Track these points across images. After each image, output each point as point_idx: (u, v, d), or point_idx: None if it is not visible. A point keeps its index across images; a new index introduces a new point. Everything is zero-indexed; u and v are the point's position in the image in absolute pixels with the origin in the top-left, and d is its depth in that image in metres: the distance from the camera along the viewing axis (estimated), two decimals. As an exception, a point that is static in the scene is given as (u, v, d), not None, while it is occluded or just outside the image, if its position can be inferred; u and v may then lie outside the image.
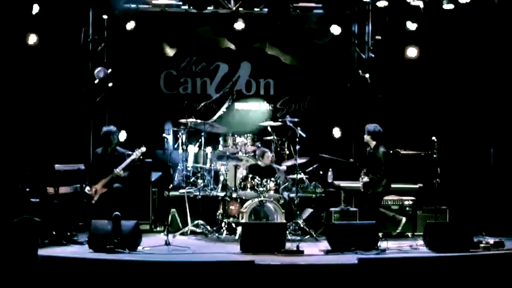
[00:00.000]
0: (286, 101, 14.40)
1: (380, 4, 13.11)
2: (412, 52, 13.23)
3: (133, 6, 13.38)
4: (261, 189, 11.63)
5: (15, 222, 8.92)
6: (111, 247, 9.74)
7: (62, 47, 13.12)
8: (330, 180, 12.58)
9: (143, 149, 11.61)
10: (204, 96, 14.07)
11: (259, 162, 12.23)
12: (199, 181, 12.40)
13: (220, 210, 11.96)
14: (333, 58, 14.19)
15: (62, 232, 10.74)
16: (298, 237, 11.36)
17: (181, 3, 13.60)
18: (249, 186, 11.75)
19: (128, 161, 11.47)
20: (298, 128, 12.14)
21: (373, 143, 11.52)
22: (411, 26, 13.00)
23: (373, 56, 13.86)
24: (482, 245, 10.42)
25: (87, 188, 11.33)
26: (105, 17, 13.16)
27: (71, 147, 12.94)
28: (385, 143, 12.03)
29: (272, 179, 11.81)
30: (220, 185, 12.38)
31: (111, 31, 13.59)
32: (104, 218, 10.24)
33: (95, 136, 13.37)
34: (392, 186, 12.30)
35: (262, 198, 11.50)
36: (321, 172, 11.60)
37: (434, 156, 11.19)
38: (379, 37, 13.78)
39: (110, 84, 13.12)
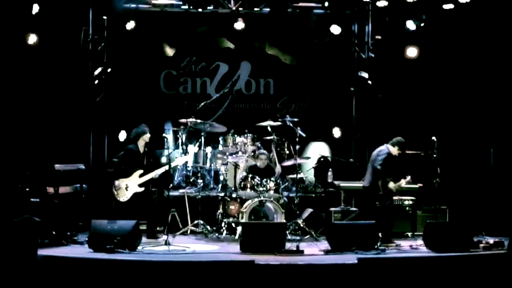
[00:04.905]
0: (286, 101, 14.41)
1: (380, 4, 13.13)
2: (412, 52, 13.24)
3: (133, 6, 13.40)
4: (261, 189, 11.63)
5: (15, 222, 8.92)
6: (111, 247, 9.73)
7: (62, 47, 13.12)
8: (330, 180, 12.58)
9: (189, 157, 11.81)
10: (204, 96, 14.07)
11: (256, 163, 12.23)
12: (199, 181, 12.40)
13: (220, 210, 11.96)
14: (333, 58, 14.19)
15: (62, 232, 10.73)
16: (298, 237, 11.36)
17: (181, 3, 13.61)
18: (249, 186, 11.75)
19: (172, 165, 11.52)
20: (298, 128, 12.14)
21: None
22: (411, 26, 13.01)
23: (373, 56, 13.87)
24: (482, 245, 10.41)
25: (117, 182, 11.14)
26: (105, 17, 13.18)
27: (71, 147, 12.94)
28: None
29: (272, 178, 11.81)
30: (220, 185, 12.39)
31: (111, 31, 13.60)
32: (132, 218, 10.26)
33: (95, 136, 13.39)
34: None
35: (262, 198, 11.50)
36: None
37: (434, 156, 11.19)
38: (379, 37, 13.79)
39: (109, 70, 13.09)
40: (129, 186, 11.14)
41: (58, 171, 11.07)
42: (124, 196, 11.15)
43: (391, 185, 11.14)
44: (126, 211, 10.96)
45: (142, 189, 11.22)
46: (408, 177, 11.24)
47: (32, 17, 12.35)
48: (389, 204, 11.20)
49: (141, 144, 11.43)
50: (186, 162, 12.58)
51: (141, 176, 11.21)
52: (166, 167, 11.50)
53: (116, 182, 11.13)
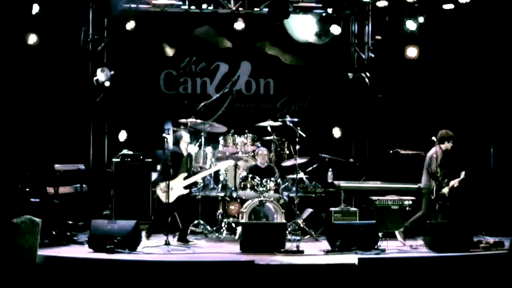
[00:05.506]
0: (286, 101, 14.40)
1: (380, 4, 13.12)
2: (412, 52, 13.23)
3: (133, 6, 13.39)
4: (261, 189, 11.63)
5: (15, 222, 8.92)
6: (111, 247, 9.74)
7: (62, 47, 13.12)
8: (330, 180, 12.57)
9: (231, 162, 11.92)
10: (204, 96, 14.05)
11: (257, 162, 12.23)
12: (199, 181, 12.39)
13: (220, 210, 11.97)
14: (333, 58, 14.19)
15: (62, 232, 10.74)
16: (298, 237, 11.36)
17: (181, 3, 13.60)
18: (249, 186, 11.75)
19: (213, 169, 11.70)
20: (298, 128, 12.14)
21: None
22: (411, 25, 13.01)
23: (373, 56, 13.87)
24: (482, 245, 10.42)
25: (163, 184, 11.04)
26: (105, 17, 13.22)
27: (71, 147, 12.95)
28: (385, 143, 12.03)
29: (272, 179, 11.81)
30: (220, 185, 12.38)
31: (111, 31, 13.60)
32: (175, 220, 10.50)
33: (95, 136, 13.39)
34: (392, 186, 12.32)
35: (262, 198, 11.50)
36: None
37: (434, 156, 11.18)
38: (379, 37, 13.79)
39: (107, 84, 13.11)
40: (173, 188, 11.10)
41: (58, 171, 11.09)
42: (166, 198, 11.12)
43: (445, 190, 11.12)
44: (168, 212, 11.02)
45: (186, 191, 11.21)
46: (462, 174, 11.24)
47: (32, 17, 12.34)
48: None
49: (183, 146, 11.44)
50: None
51: (185, 178, 11.18)
52: (211, 171, 11.53)
53: (162, 184, 11.08)
